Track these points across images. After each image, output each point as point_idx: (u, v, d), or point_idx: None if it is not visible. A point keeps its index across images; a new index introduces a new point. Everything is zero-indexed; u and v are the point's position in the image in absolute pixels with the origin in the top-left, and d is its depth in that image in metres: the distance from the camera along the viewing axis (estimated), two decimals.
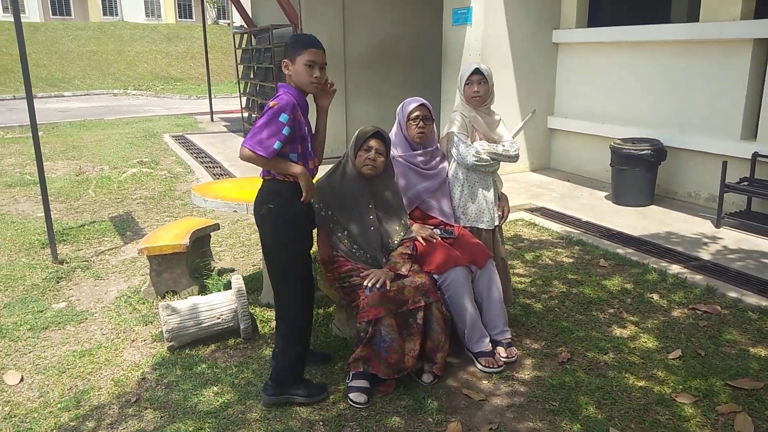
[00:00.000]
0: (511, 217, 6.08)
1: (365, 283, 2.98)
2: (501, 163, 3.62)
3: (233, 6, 12.47)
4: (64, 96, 21.61)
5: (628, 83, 6.97)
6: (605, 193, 6.77)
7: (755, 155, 5.56)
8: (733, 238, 5.28)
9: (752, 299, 4.04)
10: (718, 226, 5.56)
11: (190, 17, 38.81)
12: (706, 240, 5.24)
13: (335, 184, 3.22)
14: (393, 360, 2.97)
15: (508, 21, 7.34)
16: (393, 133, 3.56)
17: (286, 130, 2.68)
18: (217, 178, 7.89)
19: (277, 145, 2.67)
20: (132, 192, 7.35)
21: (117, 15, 36.96)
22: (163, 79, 25.14)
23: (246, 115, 12.91)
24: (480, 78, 3.50)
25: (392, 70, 9.53)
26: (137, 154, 9.84)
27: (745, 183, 5.57)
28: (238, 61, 13.48)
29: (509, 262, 4.77)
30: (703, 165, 6.20)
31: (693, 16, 6.85)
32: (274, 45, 9.98)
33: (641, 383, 3.10)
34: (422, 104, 3.44)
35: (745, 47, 5.71)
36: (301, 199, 2.80)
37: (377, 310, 2.95)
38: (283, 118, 2.68)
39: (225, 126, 13.27)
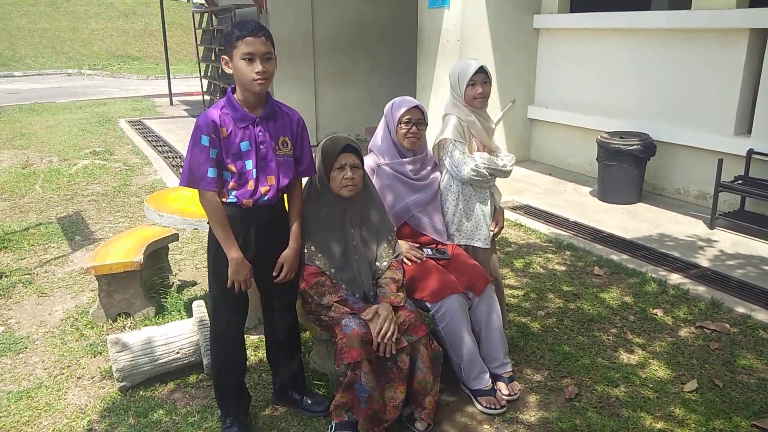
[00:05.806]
0: None
1: (374, 330, 2.57)
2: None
3: None
4: (14, 76, 20.50)
5: (613, 73, 6.62)
6: (590, 189, 6.45)
7: (750, 152, 5.28)
8: (728, 240, 5.01)
9: (761, 315, 3.74)
10: (711, 227, 5.28)
11: None
12: (701, 243, 4.95)
13: (310, 212, 2.76)
14: (372, 411, 2.55)
15: (487, 4, 6.92)
16: (379, 137, 3.12)
17: (212, 153, 2.37)
18: (177, 169, 7.34)
19: (210, 172, 2.38)
20: (83, 187, 6.76)
21: None
22: (120, 58, 24.09)
23: (207, 98, 12.30)
24: (484, 77, 3.09)
25: (362, 54, 9.02)
26: (90, 142, 9.17)
27: (740, 182, 5.30)
28: (198, 43, 12.81)
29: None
30: (693, 161, 5.91)
31: (675, 3, 6.53)
32: None
33: (659, 425, 2.77)
34: (416, 106, 3.02)
35: (740, 37, 5.40)
36: (227, 284, 2.50)
37: (357, 352, 2.52)
38: (204, 140, 2.37)
39: (185, 110, 12.59)
